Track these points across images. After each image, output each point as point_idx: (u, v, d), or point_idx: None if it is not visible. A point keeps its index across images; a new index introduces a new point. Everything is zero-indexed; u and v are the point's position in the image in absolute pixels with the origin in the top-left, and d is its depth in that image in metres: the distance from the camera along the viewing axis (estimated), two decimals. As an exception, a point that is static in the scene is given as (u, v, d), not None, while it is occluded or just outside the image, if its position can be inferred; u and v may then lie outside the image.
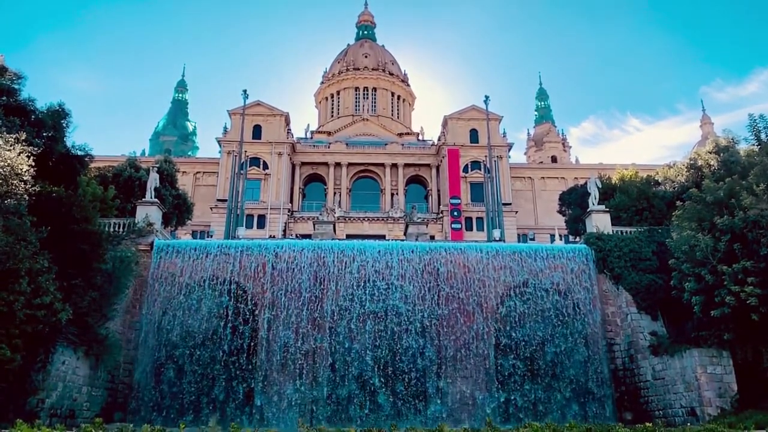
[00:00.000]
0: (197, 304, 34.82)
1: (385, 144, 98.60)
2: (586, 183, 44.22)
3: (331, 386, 33.28)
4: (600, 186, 42.16)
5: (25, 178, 24.67)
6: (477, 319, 34.83)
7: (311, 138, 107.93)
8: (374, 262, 35.99)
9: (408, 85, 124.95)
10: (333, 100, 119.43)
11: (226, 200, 68.74)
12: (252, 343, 34.08)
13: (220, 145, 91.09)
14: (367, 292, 35.20)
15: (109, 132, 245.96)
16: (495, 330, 35.15)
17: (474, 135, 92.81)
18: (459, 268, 36.18)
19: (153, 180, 40.29)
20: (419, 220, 51.46)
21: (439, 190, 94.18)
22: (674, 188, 41.37)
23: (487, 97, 68.70)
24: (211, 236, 64.91)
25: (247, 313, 34.62)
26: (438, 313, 34.91)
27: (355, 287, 35.30)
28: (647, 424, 23.49)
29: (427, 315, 34.90)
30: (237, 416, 32.11)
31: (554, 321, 35.61)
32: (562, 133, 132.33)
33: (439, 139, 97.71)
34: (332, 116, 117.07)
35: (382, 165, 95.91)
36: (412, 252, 36.66)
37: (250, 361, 33.69)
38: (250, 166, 79.85)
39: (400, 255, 36.33)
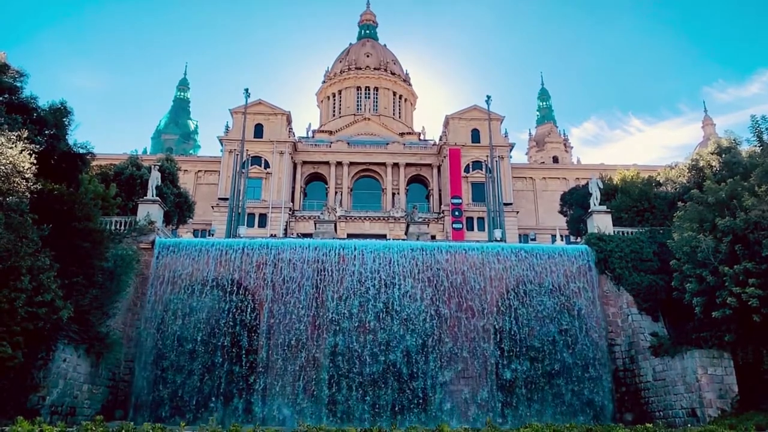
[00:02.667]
0: (198, 303, 34.79)
1: (387, 143, 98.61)
2: (587, 183, 44.20)
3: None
4: (601, 186, 42.16)
5: (26, 176, 24.70)
6: (477, 318, 34.84)
7: (313, 137, 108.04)
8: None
9: (410, 85, 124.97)
10: (335, 100, 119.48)
11: (227, 199, 68.78)
12: (253, 342, 34.07)
13: (221, 144, 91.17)
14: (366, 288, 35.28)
15: (111, 130, 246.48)
16: (496, 326, 35.13)
17: (475, 135, 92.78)
18: (459, 267, 36.13)
19: (154, 178, 40.32)
20: (420, 220, 51.49)
21: (440, 190, 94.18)
22: (676, 189, 41.33)
23: (488, 97, 68.69)
24: (213, 235, 64.95)
25: (248, 311, 34.60)
26: (438, 311, 34.94)
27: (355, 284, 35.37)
28: (648, 425, 23.55)
29: (430, 312, 34.90)
30: (237, 414, 32.15)
31: (555, 321, 35.58)
32: (564, 134, 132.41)
33: (440, 139, 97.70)
34: (334, 115, 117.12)
35: (384, 164, 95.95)
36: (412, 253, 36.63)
37: (251, 359, 33.69)
38: (251, 165, 79.76)
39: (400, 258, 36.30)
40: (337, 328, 34.26)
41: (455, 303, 35.22)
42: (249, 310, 34.61)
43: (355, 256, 36.09)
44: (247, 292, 35.06)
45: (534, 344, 34.85)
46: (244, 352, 33.78)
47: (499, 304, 35.74)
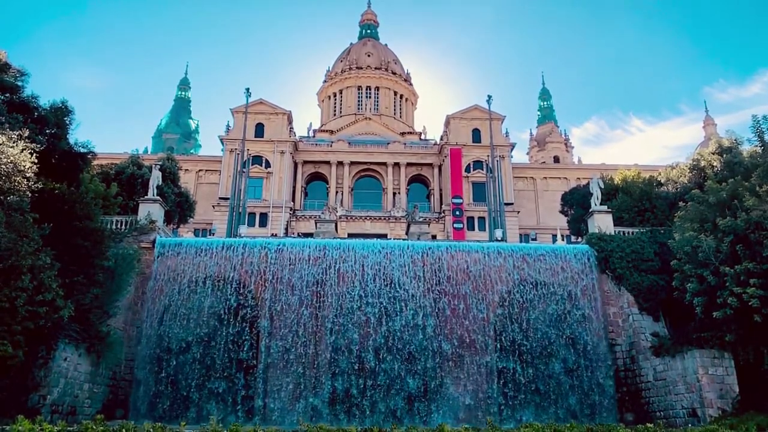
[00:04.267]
0: (199, 302, 34.81)
1: (388, 143, 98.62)
2: (588, 183, 44.20)
3: (332, 385, 32.95)
4: (602, 186, 42.14)
5: (27, 175, 24.72)
6: (478, 315, 34.80)
7: (313, 136, 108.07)
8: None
9: (410, 84, 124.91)
10: (335, 99, 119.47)
11: (228, 198, 68.79)
12: (253, 341, 34.05)
13: (222, 143, 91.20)
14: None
15: (112, 129, 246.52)
16: (496, 327, 35.09)
17: (476, 134, 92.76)
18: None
19: (155, 178, 40.33)
20: (421, 220, 51.51)
21: (441, 190, 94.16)
22: (677, 189, 41.31)
23: (489, 97, 68.31)
24: (213, 234, 64.96)
25: (249, 310, 34.61)
26: (438, 308, 34.86)
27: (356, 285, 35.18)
28: (648, 425, 23.48)
29: (428, 312, 34.54)
30: (238, 413, 32.15)
31: (556, 321, 35.55)
32: (565, 134, 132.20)
33: (441, 139, 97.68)
34: (335, 115, 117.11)
35: (385, 164, 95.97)
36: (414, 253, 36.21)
37: (252, 358, 33.67)
38: (252, 165, 79.74)
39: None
40: (336, 369, 33.08)
41: (457, 337, 34.10)
42: (249, 307, 34.50)
43: (355, 273, 35.07)
44: (247, 290, 34.97)
45: (540, 386, 33.79)
46: (245, 348, 33.77)
47: (503, 338, 34.89)
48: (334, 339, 33.75)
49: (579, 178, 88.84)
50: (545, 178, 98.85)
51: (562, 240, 60.46)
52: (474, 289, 35.44)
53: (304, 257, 35.71)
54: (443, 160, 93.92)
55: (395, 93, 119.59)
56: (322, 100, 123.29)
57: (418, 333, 34.08)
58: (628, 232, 38.68)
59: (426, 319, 34.36)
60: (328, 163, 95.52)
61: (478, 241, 53.20)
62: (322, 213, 49.75)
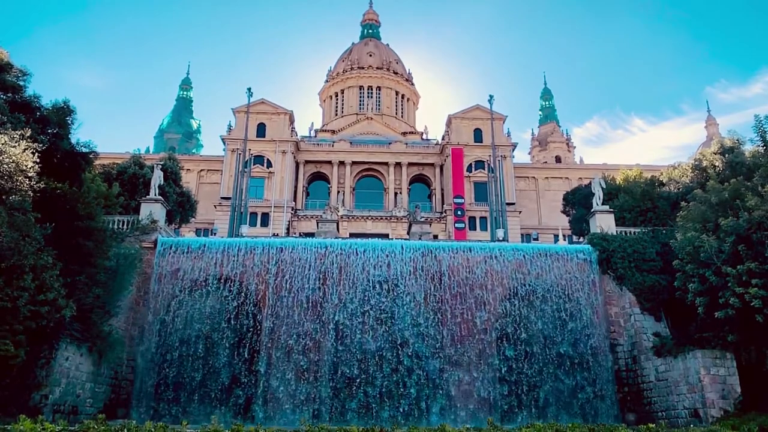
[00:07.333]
0: (200, 302, 34.85)
1: (389, 143, 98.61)
2: (590, 183, 44.18)
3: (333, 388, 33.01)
4: (604, 186, 42.09)
5: (29, 175, 24.74)
6: (479, 315, 34.80)
7: (315, 136, 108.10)
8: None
9: (412, 84, 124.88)
10: (337, 99, 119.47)
11: (230, 198, 68.84)
12: (254, 341, 34.06)
13: (224, 143, 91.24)
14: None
15: (114, 129, 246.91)
16: (497, 325, 35.07)
17: (478, 134, 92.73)
18: (461, 266, 36.04)
19: (157, 177, 40.35)
20: (422, 219, 51.50)
21: (442, 190, 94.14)
22: (679, 189, 41.25)
23: (491, 97, 67.99)
24: (215, 234, 64.97)
25: (250, 310, 34.63)
26: (441, 308, 34.91)
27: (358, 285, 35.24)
28: (650, 425, 23.36)
29: (431, 314, 34.63)
30: (239, 413, 32.15)
31: (557, 321, 35.52)
32: (567, 133, 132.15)
33: (443, 139, 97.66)
34: (336, 115, 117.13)
35: (386, 164, 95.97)
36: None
37: (253, 358, 33.70)
38: (254, 164, 79.82)
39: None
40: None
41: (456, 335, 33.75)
42: (251, 307, 34.60)
43: (355, 325, 34.34)
44: (248, 290, 35.01)
45: (540, 384, 33.58)
46: (246, 348, 33.81)
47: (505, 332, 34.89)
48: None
49: (581, 178, 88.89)
50: (547, 177, 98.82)
51: (564, 240, 60.51)
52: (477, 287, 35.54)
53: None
54: (445, 160, 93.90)
55: (397, 93, 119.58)
56: (324, 100, 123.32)
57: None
58: (630, 232, 38.62)
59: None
60: (329, 162, 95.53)
61: (479, 241, 53.15)
62: (324, 213, 49.72)
